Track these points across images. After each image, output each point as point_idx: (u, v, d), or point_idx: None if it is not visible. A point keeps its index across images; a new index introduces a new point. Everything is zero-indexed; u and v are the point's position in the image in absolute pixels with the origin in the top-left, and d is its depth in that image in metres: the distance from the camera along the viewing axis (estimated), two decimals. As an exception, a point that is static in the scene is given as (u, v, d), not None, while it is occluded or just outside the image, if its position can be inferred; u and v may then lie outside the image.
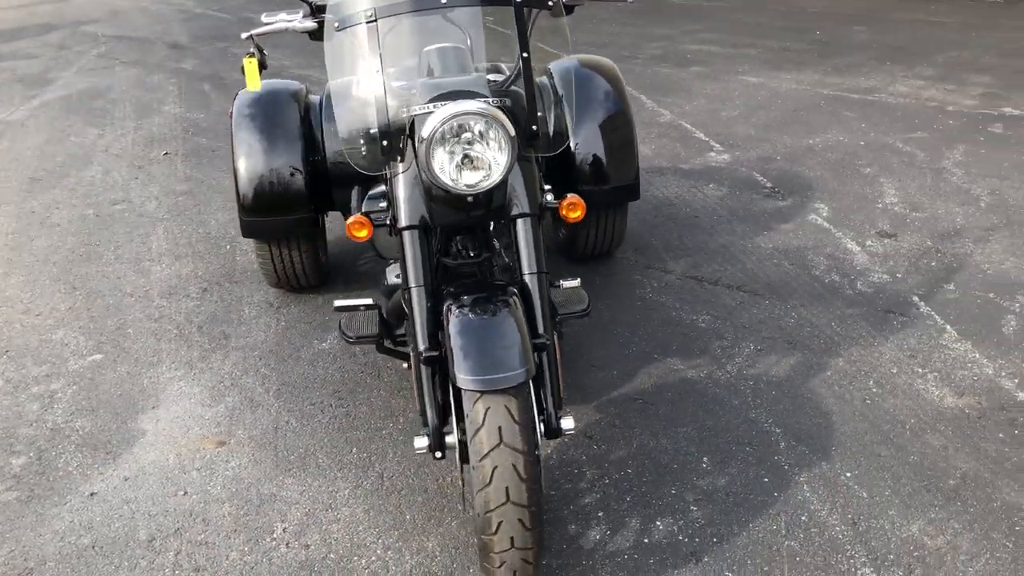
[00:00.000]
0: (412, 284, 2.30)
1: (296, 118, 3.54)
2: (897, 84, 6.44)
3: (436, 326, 2.27)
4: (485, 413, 1.96)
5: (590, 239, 3.79)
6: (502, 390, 1.95)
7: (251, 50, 2.79)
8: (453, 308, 2.14)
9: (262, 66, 2.79)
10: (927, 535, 2.39)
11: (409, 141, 2.26)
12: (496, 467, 1.95)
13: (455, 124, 2.12)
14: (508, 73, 2.60)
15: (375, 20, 2.26)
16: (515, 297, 2.19)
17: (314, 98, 3.68)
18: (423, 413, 2.28)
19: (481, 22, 2.42)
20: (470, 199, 2.27)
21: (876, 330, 3.35)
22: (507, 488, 1.95)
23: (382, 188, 2.89)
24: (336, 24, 2.33)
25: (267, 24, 2.65)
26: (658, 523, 2.48)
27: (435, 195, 2.28)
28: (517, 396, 1.97)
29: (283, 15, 2.67)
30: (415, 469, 2.75)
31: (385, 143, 2.25)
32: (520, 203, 2.32)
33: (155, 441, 2.94)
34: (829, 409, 2.91)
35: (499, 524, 1.97)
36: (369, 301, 2.80)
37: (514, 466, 1.95)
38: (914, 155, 5.06)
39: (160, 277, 4.06)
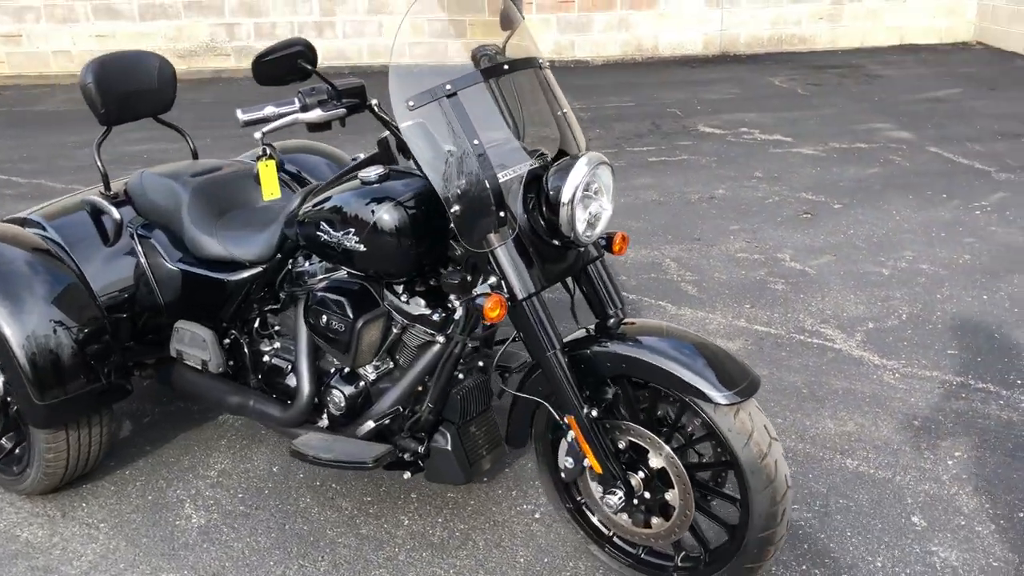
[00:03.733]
0: (550, 350, 2.23)
1: (46, 262, 2.78)
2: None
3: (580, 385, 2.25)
4: (750, 419, 2.11)
5: None
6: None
7: (264, 151, 2.18)
8: (640, 347, 2.18)
9: (279, 167, 2.21)
10: (838, 424, 3.17)
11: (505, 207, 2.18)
12: (776, 460, 2.11)
13: (594, 176, 2.17)
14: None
15: (455, 94, 2.12)
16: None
17: (49, 233, 2.89)
18: (607, 470, 2.25)
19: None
20: (581, 249, 2.31)
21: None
22: (785, 476, 2.13)
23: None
24: (410, 104, 2.10)
25: (272, 120, 2.12)
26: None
27: (547, 254, 2.25)
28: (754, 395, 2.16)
29: (271, 107, 2.15)
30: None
31: (502, 214, 2.14)
32: (587, 248, 2.41)
33: None
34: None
35: (783, 512, 2.14)
36: (394, 410, 2.50)
37: (783, 454, 2.15)
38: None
39: None
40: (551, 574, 2.52)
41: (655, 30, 10.44)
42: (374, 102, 2.35)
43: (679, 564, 2.37)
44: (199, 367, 2.84)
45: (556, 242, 2.27)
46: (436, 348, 2.47)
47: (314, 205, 2.48)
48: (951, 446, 3.02)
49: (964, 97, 8.16)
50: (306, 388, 2.67)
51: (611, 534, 2.48)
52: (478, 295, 2.21)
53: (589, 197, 2.19)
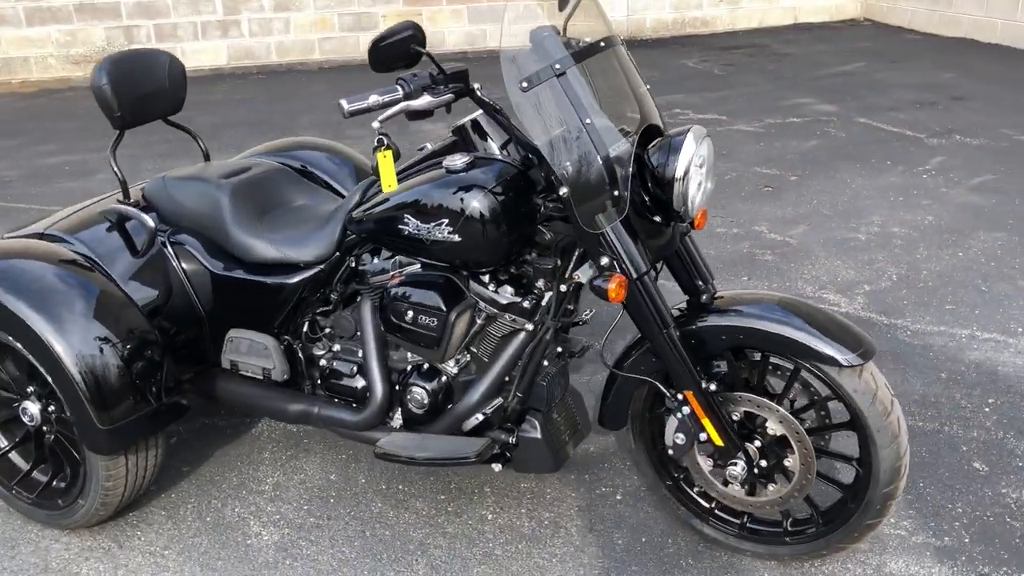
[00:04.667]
0: (663, 329, 2.22)
1: (87, 277, 2.61)
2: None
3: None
4: (873, 378, 2.16)
5: None
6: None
7: (381, 140, 2.04)
8: (751, 317, 2.20)
9: (396, 156, 2.09)
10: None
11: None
12: (898, 416, 2.17)
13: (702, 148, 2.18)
14: None
15: (564, 73, 2.08)
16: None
17: (76, 247, 2.69)
18: (728, 442, 2.26)
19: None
20: (681, 225, 2.31)
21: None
22: (905, 431, 2.19)
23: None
24: (524, 85, 2.05)
25: (377, 109, 2.02)
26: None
27: (650, 231, 2.24)
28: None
29: (375, 96, 2.03)
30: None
31: (616, 193, 2.12)
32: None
33: None
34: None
35: (905, 466, 2.20)
36: (497, 402, 2.45)
37: (902, 410, 2.21)
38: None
39: None
40: (654, 552, 2.52)
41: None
42: (477, 86, 2.28)
43: (789, 528, 2.41)
44: (259, 376, 2.70)
45: (657, 219, 2.26)
46: (522, 336, 2.43)
47: (387, 198, 2.39)
48: (983, 394, 3.18)
49: (870, 70, 8.55)
50: (380, 389, 2.58)
51: (712, 506, 2.50)
52: (596, 277, 2.18)
53: (697, 170, 2.20)
